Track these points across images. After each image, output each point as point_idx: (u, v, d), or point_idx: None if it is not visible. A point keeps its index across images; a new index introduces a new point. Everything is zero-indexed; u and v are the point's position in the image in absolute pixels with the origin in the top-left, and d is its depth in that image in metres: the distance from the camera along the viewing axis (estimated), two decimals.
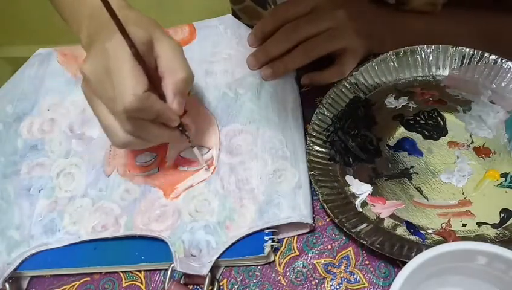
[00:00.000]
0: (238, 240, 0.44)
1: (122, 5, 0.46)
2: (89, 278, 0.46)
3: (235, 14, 0.78)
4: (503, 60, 0.50)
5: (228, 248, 0.43)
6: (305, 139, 0.50)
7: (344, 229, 0.42)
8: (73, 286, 0.46)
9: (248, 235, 0.44)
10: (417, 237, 0.42)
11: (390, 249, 0.41)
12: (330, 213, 0.44)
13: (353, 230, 0.42)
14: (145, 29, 0.41)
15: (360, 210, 0.45)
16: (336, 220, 0.43)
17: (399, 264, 0.42)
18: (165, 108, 0.42)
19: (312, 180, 0.46)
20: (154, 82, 0.41)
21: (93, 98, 0.42)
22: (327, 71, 0.52)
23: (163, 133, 0.44)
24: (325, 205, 0.44)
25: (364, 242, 0.41)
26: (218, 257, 0.43)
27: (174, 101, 0.42)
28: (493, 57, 0.50)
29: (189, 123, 0.49)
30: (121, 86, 0.39)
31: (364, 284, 0.42)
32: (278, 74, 0.50)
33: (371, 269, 0.42)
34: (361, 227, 0.43)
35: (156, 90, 0.42)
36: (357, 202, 0.45)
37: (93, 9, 0.47)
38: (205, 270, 0.42)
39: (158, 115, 0.42)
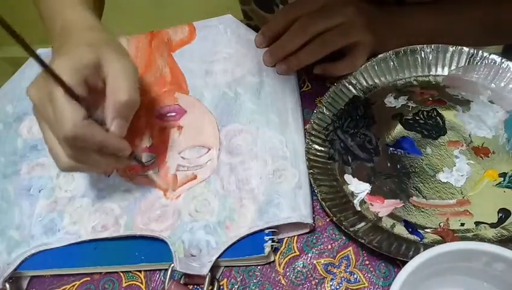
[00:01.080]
0: (238, 240, 0.44)
1: (90, 26, 0.46)
2: (89, 278, 0.46)
3: (246, 14, 0.78)
4: (503, 60, 0.50)
5: (228, 247, 0.44)
6: (305, 139, 0.50)
7: (342, 227, 0.43)
8: (73, 286, 0.46)
9: (248, 235, 0.44)
10: (415, 236, 0.42)
11: (388, 248, 0.41)
12: (329, 212, 0.44)
13: (351, 229, 0.42)
14: (93, 51, 0.41)
15: (359, 209, 0.45)
16: (334, 219, 0.43)
17: (399, 264, 0.42)
18: (109, 138, 0.41)
19: (311, 179, 0.46)
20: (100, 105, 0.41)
21: (39, 120, 0.42)
22: (339, 63, 0.52)
23: (109, 161, 0.43)
24: (323, 203, 0.44)
25: (363, 241, 0.41)
26: (218, 257, 0.43)
27: (113, 123, 0.41)
28: (493, 56, 0.50)
29: (182, 125, 0.49)
30: (59, 113, 0.38)
31: (364, 284, 0.42)
32: (292, 69, 0.53)
33: (371, 269, 0.42)
34: (359, 226, 0.43)
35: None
36: (356, 201, 0.45)
37: (64, 22, 0.46)
38: (205, 270, 0.42)
39: (103, 145, 0.41)
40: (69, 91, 0.38)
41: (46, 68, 0.36)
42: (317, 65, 0.53)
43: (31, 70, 0.62)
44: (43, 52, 0.63)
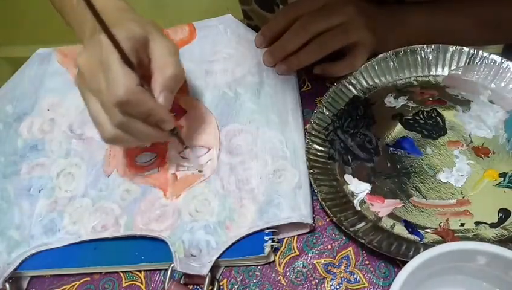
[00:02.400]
0: (238, 240, 0.44)
1: (122, 7, 0.47)
2: (89, 278, 0.46)
3: (246, 14, 0.78)
4: (503, 60, 0.50)
5: (228, 248, 0.43)
6: (305, 139, 0.50)
7: (342, 227, 0.43)
8: (73, 286, 0.46)
9: (248, 235, 0.44)
10: (415, 236, 0.42)
11: (388, 248, 0.41)
12: (329, 212, 0.44)
13: (351, 229, 0.42)
14: (141, 27, 0.42)
15: (359, 209, 0.45)
16: (334, 219, 0.43)
17: (399, 264, 0.42)
18: (158, 107, 0.42)
19: (311, 179, 0.46)
20: (146, 80, 0.42)
21: (85, 90, 0.43)
22: (339, 63, 0.52)
23: (153, 132, 0.44)
24: (323, 203, 0.44)
25: (363, 241, 0.41)
26: (218, 257, 0.43)
27: (161, 95, 0.42)
28: (493, 56, 0.50)
29: (182, 124, 0.49)
30: (113, 79, 0.39)
31: (364, 284, 0.42)
32: (292, 69, 0.53)
33: (371, 269, 0.42)
34: (359, 226, 0.43)
35: (148, 88, 0.42)
36: (356, 201, 0.45)
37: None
38: (205, 270, 0.42)
39: (150, 114, 0.41)
40: (124, 57, 0.39)
41: (107, 32, 0.37)
42: (316, 65, 0.53)
43: (30, 70, 0.62)
44: (43, 52, 0.63)
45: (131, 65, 0.40)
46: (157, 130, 0.44)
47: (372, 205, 0.45)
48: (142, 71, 0.42)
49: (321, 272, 0.43)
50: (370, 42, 0.51)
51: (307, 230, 0.45)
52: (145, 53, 0.42)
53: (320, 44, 0.50)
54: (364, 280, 0.42)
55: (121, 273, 0.46)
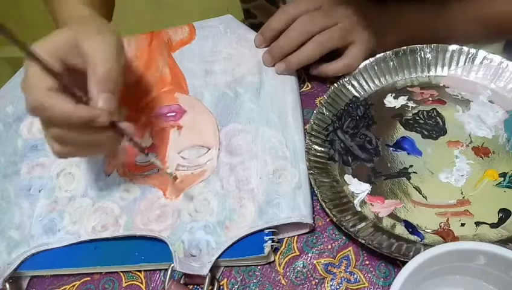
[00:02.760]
0: (238, 240, 0.44)
1: (80, 15, 0.46)
2: (89, 278, 0.46)
3: (247, 12, 0.78)
4: (503, 60, 0.50)
5: (228, 248, 0.43)
6: (305, 139, 0.50)
7: (342, 228, 0.43)
8: (73, 286, 0.46)
9: (248, 235, 0.44)
10: (415, 237, 0.42)
11: (389, 249, 0.41)
12: (329, 212, 0.44)
13: (351, 229, 0.42)
14: (70, 31, 0.40)
15: (359, 209, 0.45)
16: (335, 219, 0.43)
17: (399, 264, 0.42)
18: (73, 108, 0.38)
19: (311, 180, 0.46)
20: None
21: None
22: (336, 63, 0.52)
23: (94, 137, 0.40)
24: (323, 204, 0.44)
25: (363, 241, 0.41)
26: (218, 257, 0.43)
27: (99, 99, 0.39)
28: (492, 56, 0.50)
29: (182, 124, 0.48)
30: (24, 88, 0.38)
31: (364, 284, 0.42)
32: (291, 69, 0.53)
33: (371, 269, 0.42)
34: (359, 226, 0.43)
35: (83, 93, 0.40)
36: (356, 201, 0.45)
37: (63, 18, 0.48)
38: (205, 270, 0.42)
39: (70, 117, 0.38)
40: (41, 64, 0.36)
41: (17, 42, 0.33)
42: (313, 66, 0.53)
43: None
44: None
45: (52, 73, 0.37)
46: (95, 134, 0.41)
47: (373, 206, 0.45)
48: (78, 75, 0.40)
49: (321, 272, 0.43)
50: (367, 42, 0.51)
51: (307, 230, 0.45)
52: (79, 58, 0.40)
53: (318, 43, 0.50)
54: (364, 280, 0.42)
55: (121, 273, 0.46)
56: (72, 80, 0.39)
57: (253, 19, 0.78)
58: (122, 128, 0.42)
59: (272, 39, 0.53)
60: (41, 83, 0.37)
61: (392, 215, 0.44)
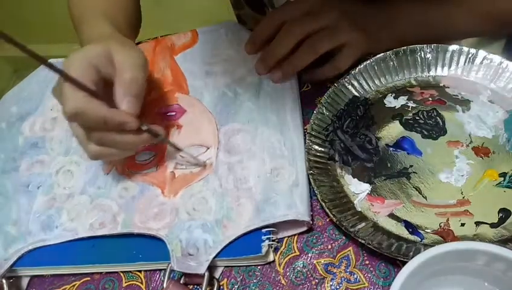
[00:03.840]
0: (236, 239, 0.44)
1: (106, 34, 0.49)
2: (89, 278, 0.46)
3: (239, 19, 0.78)
4: (502, 60, 0.50)
5: (225, 247, 0.43)
6: (305, 139, 0.50)
7: (343, 228, 0.42)
8: (74, 285, 0.46)
9: (246, 234, 0.44)
10: (415, 237, 0.42)
11: (389, 249, 0.40)
12: (329, 212, 0.43)
13: (351, 229, 0.42)
14: (103, 44, 0.44)
15: (359, 209, 0.45)
16: (335, 219, 0.43)
17: (399, 264, 0.42)
18: (111, 112, 0.42)
19: (311, 180, 0.46)
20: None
21: (68, 121, 0.45)
22: (325, 67, 0.52)
23: (127, 138, 0.44)
24: (323, 204, 0.44)
25: (363, 241, 0.41)
26: (216, 256, 0.43)
27: (124, 101, 0.43)
28: (492, 56, 0.50)
29: (182, 124, 0.50)
30: (63, 96, 0.41)
31: (364, 284, 0.42)
32: (287, 76, 0.52)
33: (371, 269, 0.42)
34: (359, 226, 0.43)
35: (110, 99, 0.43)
36: (356, 201, 0.45)
37: (84, 35, 0.51)
38: (202, 269, 0.42)
39: (106, 121, 0.42)
40: (72, 81, 0.40)
41: (45, 63, 0.38)
42: (304, 73, 0.53)
43: (39, 76, 0.63)
44: (55, 62, 0.64)
45: (82, 88, 0.41)
46: (132, 136, 0.44)
47: (373, 206, 0.45)
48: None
49: (321, 272, 0.43)
50: (358, 43, 0.51)
51: (305, 228, 0.45)
52: (109, 68, 0.44)
53: (309, 46, 0.50)
54: (364, 280, 0.42)
55: (121, 273, 0.46)
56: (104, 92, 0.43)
57: (244, 24, 0.79)
58: (154, 131, 0.46)
59: (261, 46, 0.53)
60: (75, 93, 0.41)
61: (392, 216, 0.44)
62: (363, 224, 0.43)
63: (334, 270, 0.43)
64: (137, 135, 0.44)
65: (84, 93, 0.41)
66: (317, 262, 0.43)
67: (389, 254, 0.40)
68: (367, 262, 0.43)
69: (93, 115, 0.41)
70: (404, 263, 0.35)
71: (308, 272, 0.43)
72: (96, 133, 0.43)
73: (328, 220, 0.46)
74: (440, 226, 0.42)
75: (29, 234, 0.47)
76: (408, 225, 0.43)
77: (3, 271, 0.45)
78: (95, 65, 0.42)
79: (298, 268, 0.43)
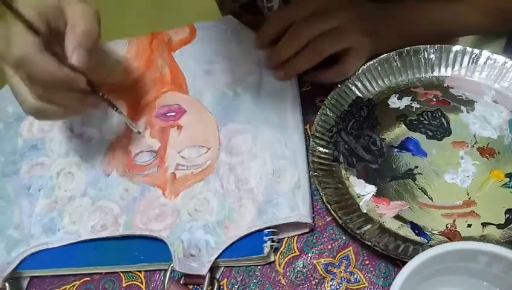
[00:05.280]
0: (238, 240, 0.43)
1: None
2: (89, 278, 0.46)
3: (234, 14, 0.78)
4: (506, 60, 0.50)
5: (227, 248, 0.43)
6: (305, 139, 0.49)
7: (348, 230, 0.42)
8: (74, 286, 0.46)
9: (247, 235, 0.43)
10: (422, 238, 0.41)
11: (395, 250, 0.40)
12: (334, 214, 0.43)
13: (357, 231, 0.42)
14: None
15: (365, 211, 0.44)
16: (341, 222, 0.42)
17: (399, 264, 0.41)
18: (58, 68, 0.39)
19: (316, 181, 0.45)
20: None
21: (4, 65, 0.42)
22: (330, 70, 0.51)
23: (72, 97, 0.42)
24: (329, 206, 0.43)
25: (369, 243, 0.41)
26: (218, 257, 0.42)
27: (74, 54, 0.40)
28: (496, 57, 0.50)
29: (182, 124, 0.50)
30: (11, 41, 0.38)
31: (364, 284, 0.41)
32: (290, 75, 0.52)
33: (371, 269, 0.42)
34: (365, 228, 0.42)
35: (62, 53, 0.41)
36: (362, 203, 0.45)
37: None
38: (204, 270, 0.42)
39: (52, 75, 0.39)
40: (26, 22, 0.38)
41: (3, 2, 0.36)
42: (307, 73, 0.53)
43: None
44: None
45: (35, 31, 0.38)
46: (78, 95, 0.42)
47: (378, 207, 0.44)
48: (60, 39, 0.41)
49: (321, 272, 0.42)
50: (364, 47, 0.50)
51: (307, 230, 0.44)
52: (62, 22, 0.41)
53: (314, 49, 0.49)
54: (364, 280, 0.41)
55: (121, 274, 0.46)
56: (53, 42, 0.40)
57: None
58: (109, 101, 0.44)
59: (270, 43, 0.52)
60: (26, 38, 0.38)
61: (398, 217, 0.43)
62: (369, 226, 0.43)
63: (334, 270, 0.42)
64: (83, 96, 0.42)
65: (35, 38, 0.38)
66: (317, 262, 0.43)
67: (396, 256, 0.40)
68: (367, 262, 0.42)
69: (41, 66, 0.38)
70: (404, 263, 0.34)
71: (308, 272, 0.42)
72: (39, 87, 0.40)
73: (328, 220, 0.45)
74: (447, 228, 0.42)
75: (31, 237, 0.47)
76: (414, 227, 0.42)
77: (6, 275, 0.45)
78: (45, 16, 0.40)
79: (298, 268, 0.43)
